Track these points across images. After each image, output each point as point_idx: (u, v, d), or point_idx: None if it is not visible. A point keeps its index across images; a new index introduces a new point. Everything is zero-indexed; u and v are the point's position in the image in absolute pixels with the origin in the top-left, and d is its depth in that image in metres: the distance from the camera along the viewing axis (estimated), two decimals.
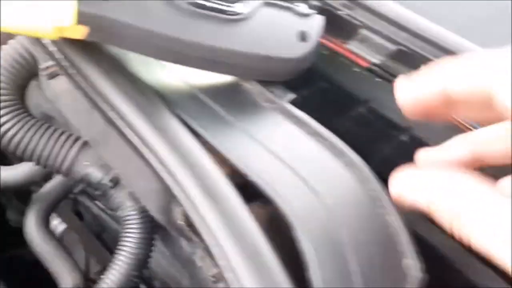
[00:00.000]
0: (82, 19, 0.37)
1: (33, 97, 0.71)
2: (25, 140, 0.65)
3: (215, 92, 0.42)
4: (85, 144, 0.69)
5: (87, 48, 0.42)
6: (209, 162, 0.38)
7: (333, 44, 0.57)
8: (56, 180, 0.82)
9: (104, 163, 0.69)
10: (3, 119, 0.64)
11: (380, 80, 0.54)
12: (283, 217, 0.38)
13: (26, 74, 0.66)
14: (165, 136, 0.39)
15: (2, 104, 0.64)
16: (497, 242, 0.31)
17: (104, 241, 1.08)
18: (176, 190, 0.37)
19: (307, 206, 0.37)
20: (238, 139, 0.40)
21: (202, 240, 0.60)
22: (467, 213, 0.32)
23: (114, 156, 0.56)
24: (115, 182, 0.69)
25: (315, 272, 0.34)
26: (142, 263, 0.70)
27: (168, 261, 0.82)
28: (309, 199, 0.37)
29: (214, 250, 0.35)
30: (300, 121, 0.41)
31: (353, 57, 0.52)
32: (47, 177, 0.82)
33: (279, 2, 0.42)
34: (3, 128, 0.64)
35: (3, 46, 0.66)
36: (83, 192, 0.90)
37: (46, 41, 0.44)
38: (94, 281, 0.96)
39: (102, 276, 0.68)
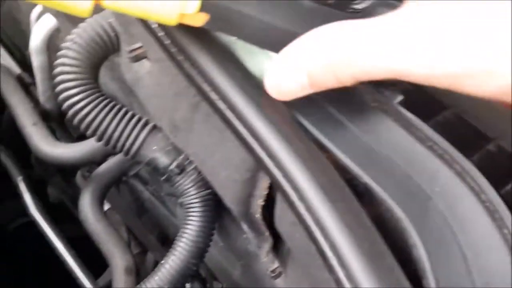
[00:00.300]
0: (206, 7, 0.36)
1: (100, 77, 0.71)
2: (97, 120, 0.64)
3: None
4: (154, 128, 0.68)
5: (198, 35, 0.41)
6: (324, 160, 0.37)
7: None
8: (112, 162, 0.82)
9: (170, 149, 0.69)
10: (76, 98, 0.64)
11: None
12: (394, 221, 0.37)
13: (102, 54, 0.65)
14: (277, 129, 0.38)
15: (75, 82, 0.64)
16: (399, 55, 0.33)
17: (144, 224, 1.09)
18: (287, 187, 0.37)
19: (420, 211, 0.36)
20: (348, 139, 0.40)
21: (271, 234, 0.60)
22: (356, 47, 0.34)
23: (195, 144, 0.56)
24: (182, 169, 0.69)
25: (432, 279, 0.34)
26: (201, 251, 0.70)
27: (219, 251, 0.82)
28: (422, 205, 0.37)
29: (326, 250, 0.35)
30: (411, 124, 0.41)
31: None
32: (104, 158, 0.82)
33: (393, 2, 0.41)
34: (76, 107, 0.64)
35: (81, 24, 0.66)
36: (136, 175, 0.90)
37: (154, 25, 0.43)
38: (135, 262, 0.96)
39: (161, 262, 0.68)
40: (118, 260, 0.77)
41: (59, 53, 0.64)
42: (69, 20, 0.74)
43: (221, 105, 0.40)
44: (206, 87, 0.41)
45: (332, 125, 0.40)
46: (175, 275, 0.67)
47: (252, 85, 0.41)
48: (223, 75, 0.40)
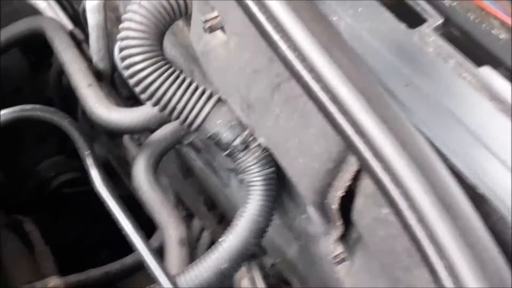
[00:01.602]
0: None
1: None
2: (161, 90, 0.61)
3: None
4: (219, 101, 0.65)
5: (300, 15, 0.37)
6: (439, 164, 0.33)
7: None
8: (168, 129, 0.79)
9: (235, 123, 0.65)
10: (140, 66, 0.61)
11: None
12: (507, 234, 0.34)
13: (169, 19, 0.61)
14: (389, 127, 0.34)
15: (140, 49, 0.60)
16: None
17: (192, 188, 1.07)
18: (395, 191, 0.33)
19: None
20: (465, 141, 0.36)
21: (342, 225, 0.57)
22: None
23: (270, 126, 0.53)
24: (246, 145, 0.66)
25: None
26: (262, 231, 0.67)
27: (274, 228, 0.79)
28: None
29: (433, 254, 0.31)
30: None
31: None
32: (160, 125, 0.79)
33: None
34: (140, 76, 0.61)
35: None
36: (190, 144, 0.88)
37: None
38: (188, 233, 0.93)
39: (219, 240, 0.65)
40: (172, 231, 0.75)
41: (125, 16, 0.61)
42: None
43: (323, 95, 0.36)
44: (304, 71, 0.37)
45: (446, 124, 0.36)
46: (234, 253, 0.65)
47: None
48: (330, 61, 0.36)
